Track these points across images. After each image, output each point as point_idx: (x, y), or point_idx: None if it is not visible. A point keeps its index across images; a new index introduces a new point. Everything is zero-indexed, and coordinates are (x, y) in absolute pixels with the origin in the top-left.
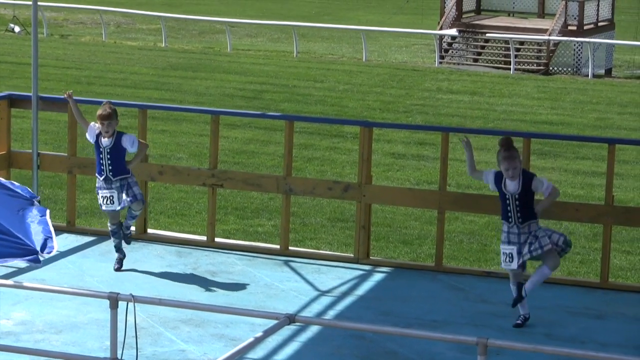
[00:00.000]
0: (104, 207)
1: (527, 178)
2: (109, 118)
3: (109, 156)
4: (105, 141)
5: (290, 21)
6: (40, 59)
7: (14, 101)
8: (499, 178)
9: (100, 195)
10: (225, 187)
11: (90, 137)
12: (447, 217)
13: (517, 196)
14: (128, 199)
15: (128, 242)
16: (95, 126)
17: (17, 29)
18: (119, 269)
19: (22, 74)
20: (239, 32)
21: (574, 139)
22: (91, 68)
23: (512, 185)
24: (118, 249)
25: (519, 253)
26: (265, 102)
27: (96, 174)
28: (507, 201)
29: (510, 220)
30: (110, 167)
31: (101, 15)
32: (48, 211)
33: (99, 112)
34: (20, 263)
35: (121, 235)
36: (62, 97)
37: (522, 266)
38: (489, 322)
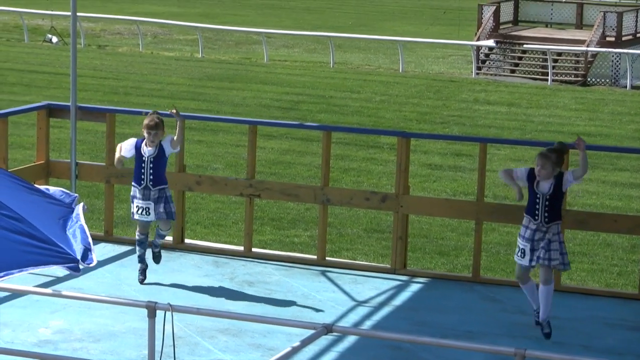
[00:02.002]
0: (137, 217)
1: (559, 179)
2: (156, 128)
3: (151, 165)
4: (148, 150)
5: (327, 32)
6: (78, 69)
7: (53, 111)
8: (531, 175)
9: (135, 204)
10: (263, 198)
11: (124, 152)
12: (484, 228)
13: (547, 197)
14: (162, 213)
15: (157, 262)
16: (131, 142)
17: (54, 39)
18: (143, 280)
19: (59, 84)
20: (276, 42)
21: (612, 150)
22: (128, 78)
23: (544, 186)
24: (142, 259)
25: (532, 251)
26: (302, 112)
27: (133, 183)
28: (537, 199)
29: (536, 218)
30: (151, 177)
31: (138, 26)
32: (81, 210)
33: (146, 121)
34: (59, 271)
35: (146, 246)
36: (100, 107)
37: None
38: (525, 333)
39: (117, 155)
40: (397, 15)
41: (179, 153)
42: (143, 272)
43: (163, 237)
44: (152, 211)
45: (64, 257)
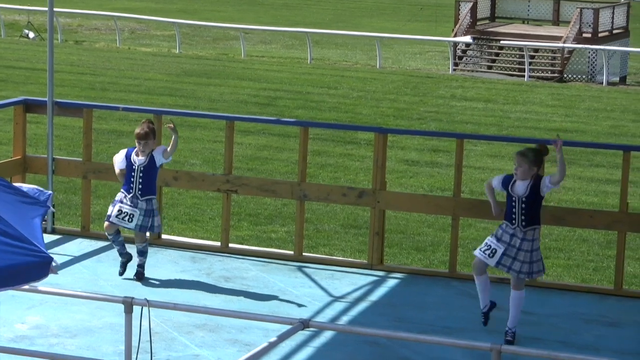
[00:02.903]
0: (115, 220)
1: (537, 182)
2: (146, 137)
3: (141, 174)
4: (139, 159)
5: (304, 28)
6: (55, 65)
7: (29, 106)
8: (507, 180)
9: (117, 207)
10: (240, 193)
11: (118, 166)
12: (461, 223)
13: (523, 199)
14: (144, 227)
15: (140, 279)
16: (122, 153)
17: (31, 34)
18: (122, 273)
19: (36, 79)
20: (253, 38)
21: (588, 146)
22: (105, 74)
23: (520, 187)
24: (121, 254)
25: (504, 255)
26: (279, 108)
27: (122, 189)
28: (513, 203)
29: (514, 222)
30: (140, 186)
31: (115, 22)
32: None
33: (137, 130)
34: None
35: (121, 241)
36: (77, 102)
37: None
38: (503, 328)
39: (116, 170)
40: (375, 12)
41: None
42: (123, 265)
43: (144, 254)
44: (134, 219)
45: (37, 256)
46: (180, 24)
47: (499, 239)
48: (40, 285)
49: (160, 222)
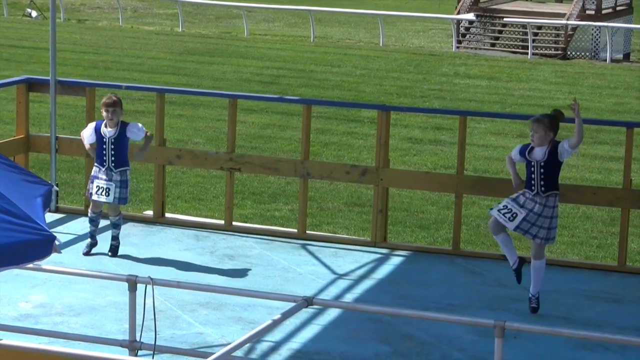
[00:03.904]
0: (94, 197)
1: (555, 147)
2: (114, 105)
3: (112, 146)
4: (109, 131)
5: (307, 6)
6: (58, 44)
7: (32, 85)
8: (524, 149)
9: (95, 184)
10: (243, 171)
11: (88, 140)
12: (465, 201)
13: (542, 164)
14: (117, 199)
15: (115, 254)
16: (90, 127)
17: (34, 13)
18: (87, 253)
19: (39, 58)
20: (256, 17)
21: (592, 123)
22: (108, 53)
23: (538, 153)
24: (92, 236)
25: (523, 220)
26: (282, 87)
27: (96, 163)
28: (532, 169)
29: (533, 188)
30: (113, 158)
31: (118, 0)
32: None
33: (104, 100)
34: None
35: (98, 223)
36: (80, 81)
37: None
38: (506, 305)
39: (86, 146)
40: None
41: (159, 127)
42: (90, 246)
43: (117, 226)
44: (111, 193)
45: (39, 234)
46: (183, 2)
47: (521, 205)
48: (44, 263)
49: (127, 194)
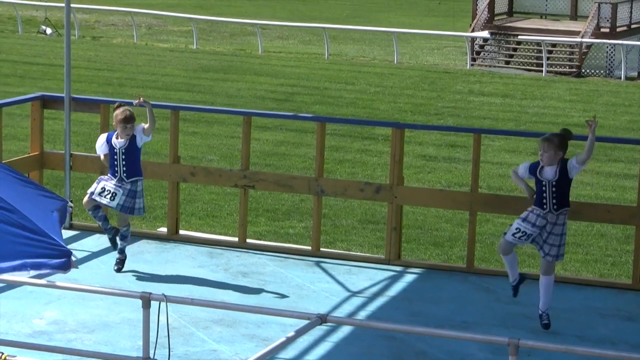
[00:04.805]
0: (98, 198)
1: (564, 165)
2: (132, 120)
3: (124, 157)
4: (119, 142)
5: (321, 23)
6: (72, 61)
7: (47, 102)
8: (533, 167)
9: (101, 185)
10: (257, 189)
11: (100, 151)
12: (479, 218)
13: (554, 183)
14: (126, 208)
15: (121, 268)
16: (102, 138)
17: (48, 30)
18: (113, 236)
19: (53, 75)
20: (270, 34)
21: (606, 141)
22: (122, 70)
23: (549, 172)
24: (104, 222)
25: (536, 238)
26: (297, 104)
27: (109, 174)
28: (543, 187)
29: (545, 207)
30: (124, 169)
31: (132, 17)
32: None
33: (119, 116)
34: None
35: (100, 212)
36: (94, 98)
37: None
38: (520, 323)
39: (100, 157)
40: (392, 7)
41: (173, 144)
42: (113, 240)
43: (125, 238)
44: (117, 198)
45: (56, 249)
46: (197, 20)
47: (533, 224)
48: (58, 280)
49: (143, 204)
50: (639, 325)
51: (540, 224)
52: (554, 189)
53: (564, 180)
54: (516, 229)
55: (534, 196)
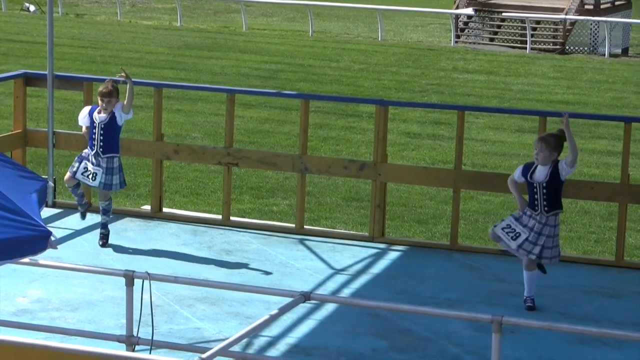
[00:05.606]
0: (79, 176)
1: (556, 167)
2: (109, 95)
3: (102, 132)
4: (100, 117)
5: (306, 0)
6: (56, 38)
7: (30, 80)
8: (526, 169)
9: (82, 164)
10: (241, 166)
11: (82, 123)
12: (463, 196)
13: (544, 185)
14: (106, 185)
15: (105, 243)
16: (85, 111)
17: (32, 8)
18: (84, 212)
19: (37, 53)
20: (254, 11)
21: (590, 118)
22: (106, 47)
23: (540, 174)
24: (80, 197)
25: (526, 240)
26: (281, 81)
27: (88, 147)
28: (535, 190)
29: (536, 208)
30: (101, 144)
31: None
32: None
33: (100, 88)
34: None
35: (80, 190)
36: (78, 75)
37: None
38: (504, 300)
39: (82, 129)
40: None
41: (157, 122)
42: (83, 214)
43: (107, 212)
44: (98, 178)
45: (35, 230)
46: None
47: (524, 225)
48: (41, 259)
49: (120, 179)
50: (622, 303)
51: (530, 225)
52: (544, 190)
53: (555, 182)
54: (506, 224)
55: (524, 206)
